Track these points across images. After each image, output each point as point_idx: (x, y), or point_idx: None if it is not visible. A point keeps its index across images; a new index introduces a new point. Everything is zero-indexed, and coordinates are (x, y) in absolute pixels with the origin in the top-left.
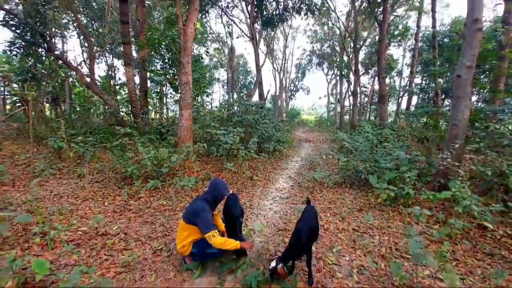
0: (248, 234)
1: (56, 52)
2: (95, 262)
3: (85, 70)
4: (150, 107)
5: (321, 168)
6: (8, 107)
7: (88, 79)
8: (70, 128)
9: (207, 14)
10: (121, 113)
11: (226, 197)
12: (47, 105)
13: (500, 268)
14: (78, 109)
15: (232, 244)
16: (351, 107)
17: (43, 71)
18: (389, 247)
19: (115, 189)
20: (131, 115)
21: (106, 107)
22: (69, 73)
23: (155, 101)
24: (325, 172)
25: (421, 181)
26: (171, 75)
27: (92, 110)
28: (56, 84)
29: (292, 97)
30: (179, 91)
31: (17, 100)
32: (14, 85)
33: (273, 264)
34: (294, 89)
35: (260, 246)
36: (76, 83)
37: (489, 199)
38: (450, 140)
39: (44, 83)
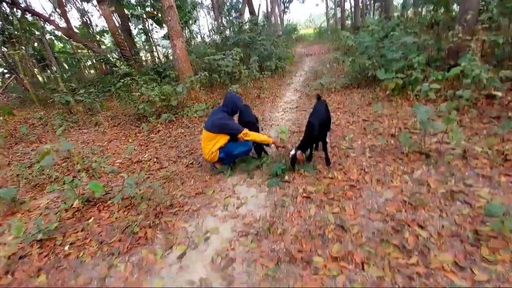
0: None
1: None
2: (145, 180)
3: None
4: (138, 47)
5: (327, 76)
6: None
7: (65, 29)
8: (70, 86)
9: None
10: (111, 59)
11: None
12: (36, 70)
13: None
14: (67, 67)
15: (265, 138)
16: (353, 9)
17: (15, 32)
18: (398, 128)
19: (133, 128)
20: (123, 59)
21: (95, 56)
22: (43, 28)
23: (142, 40)
24: (331, 78)
25: (431, 66)
26: (151, 6)
27: (81, 64)
28: (36, 44)
29: (286, 10)
30: (165, 19)
31: (5, 71)
32: None
33: (292, 152)
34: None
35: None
36: (55, 41)
37: (500, 71)
38: (462, 13)
39: (23, 46)
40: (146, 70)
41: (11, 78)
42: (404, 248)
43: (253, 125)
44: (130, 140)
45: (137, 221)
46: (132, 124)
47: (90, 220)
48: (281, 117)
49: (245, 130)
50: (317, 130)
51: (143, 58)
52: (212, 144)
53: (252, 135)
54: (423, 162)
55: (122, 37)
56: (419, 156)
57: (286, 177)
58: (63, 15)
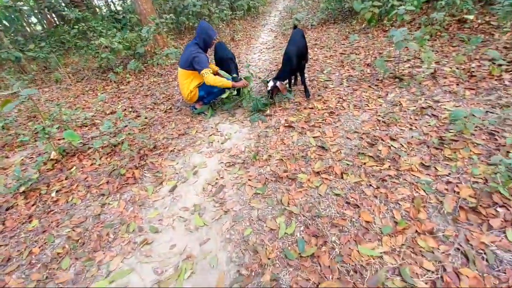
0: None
1: None
2: (121, 128)
3: None
4: None
5: (304, 14)
6: None
7: None
8: (11, 41)
9: None
10: (59, 6)
11: (214, 42)
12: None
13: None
14: (7, 24)
15: (224, 82)
16: None
17: None
18: (374, 57)
19: (99, 82)
20: (72, 6)
21: (38, 5)
22: None
23: None
24: (306, 14)
25: None
26: None
27: (24, 18)
28: None
29: None
30: None
31: None
32: None
33: (271, 83)
34: None
35: (256, 86)
36: None
37: None
38: None
39: None
40: (102, 18)
41: None
42: (378, 157)
43: (231, 61)
44: (98, 94)
45: (123, 164)
46: (98, 77)
47: (72, 169)
48: (258, 58)
49: (205, 70)
50: (294, 58)
51: (98, 3)
52: (188, 82)
53: (210, 78)
54: (396, 85)
55: None
56: (393, 81)
57: (268, 111)
58: None
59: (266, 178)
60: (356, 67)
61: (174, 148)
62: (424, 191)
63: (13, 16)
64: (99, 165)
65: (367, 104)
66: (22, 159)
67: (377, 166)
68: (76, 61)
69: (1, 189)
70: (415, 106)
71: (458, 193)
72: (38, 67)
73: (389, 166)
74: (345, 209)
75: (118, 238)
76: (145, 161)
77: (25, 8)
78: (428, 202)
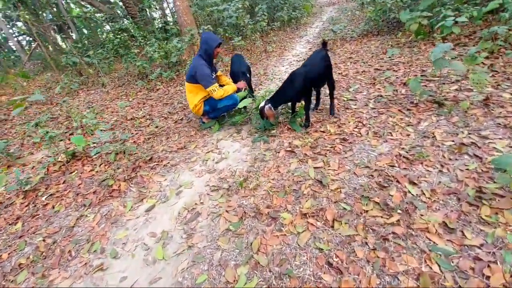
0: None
1: None
2: (128, 135)
3: None
4: (145, 3)
5: (345, 24)
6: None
7: None
8: (83, 49)
9: None
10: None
11: (218, 52)
12: (58, 36)
13: None
14: (85, 31)
15: (230, 88)
16: None
17: None
18: (414, 75)
19: (135, 87)
20: (130, 17)
21: (101, 16)
22: None
23: None
24: (345, 25)
25: (468, 4)
26: None
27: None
28: (53, 9)
29: None
30: None
31: (31, 39)
32: (18, 23)
33: (261, 104)
34: None
35: None
36: (72, 5)
37: None
38: None
39: (40, 11)
40: (153, 28)
41: (35, 45)
42: (386, 206)
43: (243, 75)
44: (130, 99)
45: (115, 174)
46: (135, 83)
47: (72, 173)
48: (285, 71)
49: (213, 87)
50: (299, 82)
51: (154, 15)
52: (193, 96)
53: (218, 94)
54: (434, 112)
55: None
56: (430, 106)
57: (274, 131)
58: None
59: (245, 212)
60: (388, 88)
61: (169, 163)
62: (439, 266)
63: (92, 25)
64: (96, 172)
65: (390, 132)
66: (42, 157)
67: (382, 217)
68: (123, 67)
69: (4, 186)
70: (453, 141)
71: (488, 278)
72: (95, 70)
73: (398, 221)
74: (324, 272)
75: (78, 257)
76: (136, 173)
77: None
78: (441, 284)
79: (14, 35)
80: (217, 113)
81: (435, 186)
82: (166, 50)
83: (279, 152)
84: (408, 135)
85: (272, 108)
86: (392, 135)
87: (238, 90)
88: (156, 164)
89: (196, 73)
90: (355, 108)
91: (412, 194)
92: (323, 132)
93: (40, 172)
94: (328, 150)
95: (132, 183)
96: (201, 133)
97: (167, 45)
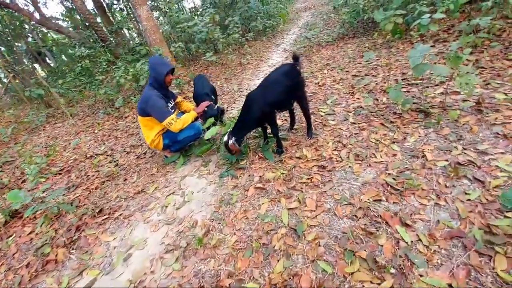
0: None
1: None
2: (84, 180)
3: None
4: (116, 25)
5: (321, 28)
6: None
7: (37, 16)
8: (58, 77)
9: None
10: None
11: (170, 79)
12: (37, 65)
13: None
14: (65, 58)
15: (190, 116)
16: None
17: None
18: (395, 80)
19: (103, 117)
20: (99, 41)
21: (69, 42)
22: (29, 24)
23: (120, 16)
24: (321, 30)
25: None
26: None
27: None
28: (28, 40)
29: None
30: None
31: (8, 70)
32: None
33: (225, 138)
34: None
35: None
36: (48, 33)
37: None
38: None
39: (12, 41)
40: (124, 51)
41: (9, 78)
42: (375, 264)
43: (207, 97)
44: (95, 131)
45: (55, 237)
46: (104, 112)
47: (10, 238)
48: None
49: (169, 120)
50: (255, 109)
51: (128, 36)
52: (148, 130)
53: (177, 126)
54: (421, 123)
55: (95, 14)
56: (416, 116)
57: (243, 162)
58: (33, 2)
59: (202, 285)
60: (369, 97)
61: (121, 214)
62: None
63: (70, 51)
64: (37, 234)
65: (374, 154)
66: None
67: (371, 282)
68: (93, 95)
69: None
70: (446, 161)
71: None
72: (66, 100)
73: (392, 286)
74: None
75: None
76: (81, 233)
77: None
78: None
79: None
80: (179, 146)
81: (432, 227)
82: (134, 73)
83: (248, 190)
84: (395, 155)
85: (236, 143)
86: (376, 157)
87: (206, 113)
88: (106, 218)
89: (147, 105)
90: (334, 125)
91: (406, 242)
92: (299, 158)
93: None
94: (304, 182)
95: (73, 249)
96: (164, 170)
97: (134, 67)
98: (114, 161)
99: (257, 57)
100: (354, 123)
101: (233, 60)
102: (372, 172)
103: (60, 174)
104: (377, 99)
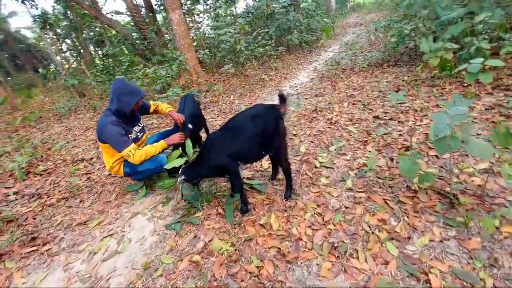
0: None
1: None
2: (50, 189)
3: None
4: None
5: (361, 50)
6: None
7: (93, 10)
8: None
9: None
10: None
11: (137, 107)
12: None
13: None
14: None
15: (157, 148)
16: None
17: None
18: (424, 134)
19: None
20: (143, 39)
21: (116, 36)
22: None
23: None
24: (363, 50)
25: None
26: None
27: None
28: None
29: None
30: None
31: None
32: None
33: (179, 178)
34: None
35: None
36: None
37: None
38: None
39: (81, 30)
40: (162, 50)
41: (72, 62)
42: None
43: (183, 127)
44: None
45: None
46: None
47: None
48: None
49: (127, 151)
50: (213, 156)
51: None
52: (108, 156)
53: (137, 158)
54: (439, 217)
55: (144, 14)
56: (436, 202)
57: (198, 214)
58: None
59: None
60: (370, 159)
61: (50, 249)
62: None
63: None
64: None
65: (357, 252)
66: None
67: None
68: None
69: None
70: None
71: None
72: (100, 91)
73: None
74: None
75: None
76: (1, 260)
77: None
78: None
79: (62, 51)
80: (141, 177)
81: None
82: (153, 77)
83: (181, 261)
84: (386, 263)
85: (183, 183)
86: (358, 259)
87: (178, 144)
88: (34, 251)
89: (102, 134)
90: (325, 185)
91: None
92: (262, 227)
93: None
94: (250, 272)
95: None
96: (122, 199)
97: (155, 72)
98: (89, 173)
99: (282, 74)
100: (351, 189)
101: (256, 74)
102: (345, 284)
103: (41, 175)
104: (392, 159)
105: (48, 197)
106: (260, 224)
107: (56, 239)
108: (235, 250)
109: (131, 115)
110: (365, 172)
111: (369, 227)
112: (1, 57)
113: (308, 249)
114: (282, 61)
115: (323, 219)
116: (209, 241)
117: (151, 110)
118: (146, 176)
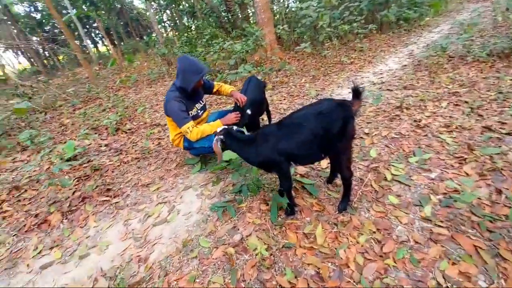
0: None
1: None
2: (129, 148)
3: None
4: None
5: (479, 33)
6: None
7: None
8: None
9: None
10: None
11: (199, 84)
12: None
13: None
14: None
15: (213, 127)
16: None
17: None
18: None
19: None
20: (228, 11)
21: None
22: None
23: None
24: (484, 35)
25: None
26: None
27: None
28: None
29: None
30: None
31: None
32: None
33: (217, 137)
34: None
35: None
36: None
37: None
38: None
39: (178, 3)
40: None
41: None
42: None
43: (246, 109)
44: None
45: (68, 199)
46: None
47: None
48: (346, 96)
49: (186, 127)
50: (263, 150)
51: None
52: (172, 129)
53: (193, 135)
54: None
55: None
56: None
57: (243, 205)
58: None
59: None
60: (488, 177)
61: (118, 202)
62: None
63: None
64: (69, 189)
65: None
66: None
67: None
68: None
69: None
70: None
71: None
72: None
73: None
74: None
75: None
76: (83, 204)
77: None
78: None
79: (162, 21)
80: (196, 152)
81: None
82: (230, 50)
83: (216, 248)
84: None
85: (220, 143)
86: None
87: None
88: (106, 201)
89: (166, 108)
90: (394, 205)
91: None
92: (305, 237)
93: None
94: (281, 286)
95: (66, 218)
96: (180, 170)
97: (231, 46)
98: (160, 139)
99: (367, 56)
100: (428, 220)
101: (335, 55)
102: None
103: (126, 133)
104: (500, 192)
105: (126, 155)
106: (304, 233)
107: (124, 195)
108: (271, 254)
109: (193, 92)
110: (455, 201)
111: (444, 278)
112: (117, 25)
113: (354, 282)
114: (369, 42)
115: (381, 248)
116: (247, 236)
117: (214, 90)
118: (201, 153)
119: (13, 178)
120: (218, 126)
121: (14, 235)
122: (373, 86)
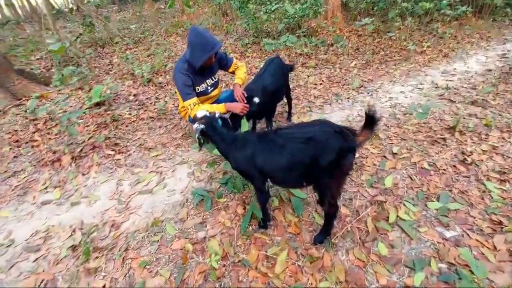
0: None
1: None
2: (151, 104)
3: None
4: None
5: None
6: None
7: None
8: None
9: None
10: None
11: (211, 62)
12: None
13: None
14: None
15: (214, 109)
16: None
17: None
18: None
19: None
20: None
21: None
22: None
23: None
24: None
25: None
26: None
27: None
28: None
29: None
30: None
31: None
32: None
33: (197, 125)
34: None
35: None
36: None
37: None
38: None
39: None
40: None
41: None
42: None
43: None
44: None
45: (84, 143)
46: (247, 37)
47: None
48: (398, 96)
49: (189, 102)
50: (237, 160)
51: None
52: (180, 98)
53: (195, 110)
54: None
55: None
56: None
57: (223, 200)
58: None
59: None
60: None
61: (119, 160)
62: None
63: None
64: (88, 133)
65: None
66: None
67: None
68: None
69: None
70: None
71: None
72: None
73: None
74: None
75: None
76: (93, 152)
77: None
78: None
79: None
80: None
81: None
82: (283, 13)
83: (178, 240)
84: None
85: (199, 133)
86: None
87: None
88: (111, 154)
89: (175, 81)
90: (381, 257)
91: None
92: (265, 259)
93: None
94: None
95: (75, 162)
96: (185, 141)
97: (284, 8)
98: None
99: (445, 47)
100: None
101: (404, 39)
102: None
103: (156, 86)
104: None
105: (145, 110)
106: (266, 254)
107: (127, 153)
108: (223, 266)
109: (201, 69)
110: (459, 278)
111: None
112: None
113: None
114: (458, 28)
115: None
116: (211, 237)
117: (230, 69)
118: None
119: (51, 109)
120: (221, 110)
121: (33, 165)
122: (434, 90)
